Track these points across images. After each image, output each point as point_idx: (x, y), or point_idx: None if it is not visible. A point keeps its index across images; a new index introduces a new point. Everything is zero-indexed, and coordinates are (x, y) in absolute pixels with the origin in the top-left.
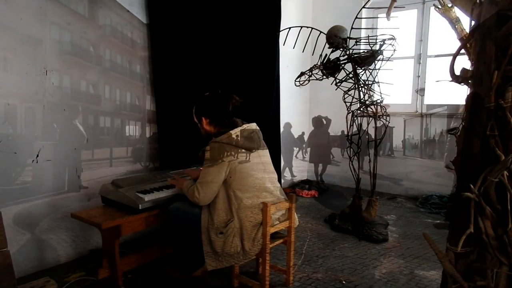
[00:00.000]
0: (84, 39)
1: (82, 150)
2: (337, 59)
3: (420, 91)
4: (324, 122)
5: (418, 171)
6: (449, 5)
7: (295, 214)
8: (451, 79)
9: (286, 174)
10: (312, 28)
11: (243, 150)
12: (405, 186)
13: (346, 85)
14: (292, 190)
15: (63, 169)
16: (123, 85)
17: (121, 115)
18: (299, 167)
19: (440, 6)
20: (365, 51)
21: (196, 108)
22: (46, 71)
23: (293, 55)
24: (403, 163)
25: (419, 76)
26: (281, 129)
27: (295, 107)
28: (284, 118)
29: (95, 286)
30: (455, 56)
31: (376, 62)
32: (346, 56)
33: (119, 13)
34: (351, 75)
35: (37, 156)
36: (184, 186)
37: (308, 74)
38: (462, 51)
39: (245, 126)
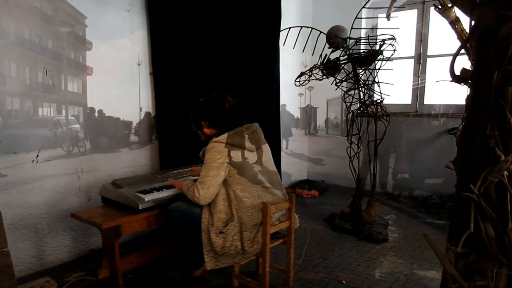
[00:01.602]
0: None
1: None
2: (337, 59)
3: None
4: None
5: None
6: (449, 5)
7: (296, 215)
8: (451, 79)
9: None
10: (312, 28)
11: (243, 150)
12: (405, 186)
13: (346, 85)
14: (292, 190)
15: None
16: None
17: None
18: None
19: (440, 6)
20: (365, 51)
21: (193, 115)
22: None
23: (293, 55)
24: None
25: (419, 76)
26: None
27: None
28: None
29: (95, 286)
30: (455, 56)
31: (376, 62)
32: (346, 56)
33: None
34: (351, 75)
35: (37, 156)
36: (184, 185)
37: (308, 74)
38: (462, 51)
39: (246, 126)
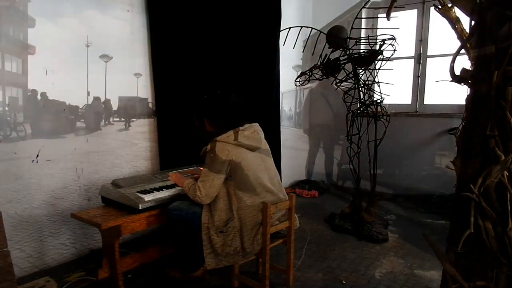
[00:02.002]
0: None
1: None
2: (337, 59)
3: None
4: None
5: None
6: (449, 5)
7: (296, 215)
8: (451, 79)
9: None
10: (312, 28)
11: (244, 149)
12: (405, 186)
13: (346, 85)
14: (292, 190)
15: None
16: None
17: None
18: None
19: (440, 6)
20: (365, 51)
21: (197, 111)
22: None
23: (293, 55)
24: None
25: (419, 76)
26: None
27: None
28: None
29: (95, 286)
30: (455, 56)
31: (376, 62)
32: (346, 56)
33: None
34: (351, 75)
35: (37, 156)
36: (185, 184)
37: (308, 74)
38: (462, 51)
39: (247, 125)
